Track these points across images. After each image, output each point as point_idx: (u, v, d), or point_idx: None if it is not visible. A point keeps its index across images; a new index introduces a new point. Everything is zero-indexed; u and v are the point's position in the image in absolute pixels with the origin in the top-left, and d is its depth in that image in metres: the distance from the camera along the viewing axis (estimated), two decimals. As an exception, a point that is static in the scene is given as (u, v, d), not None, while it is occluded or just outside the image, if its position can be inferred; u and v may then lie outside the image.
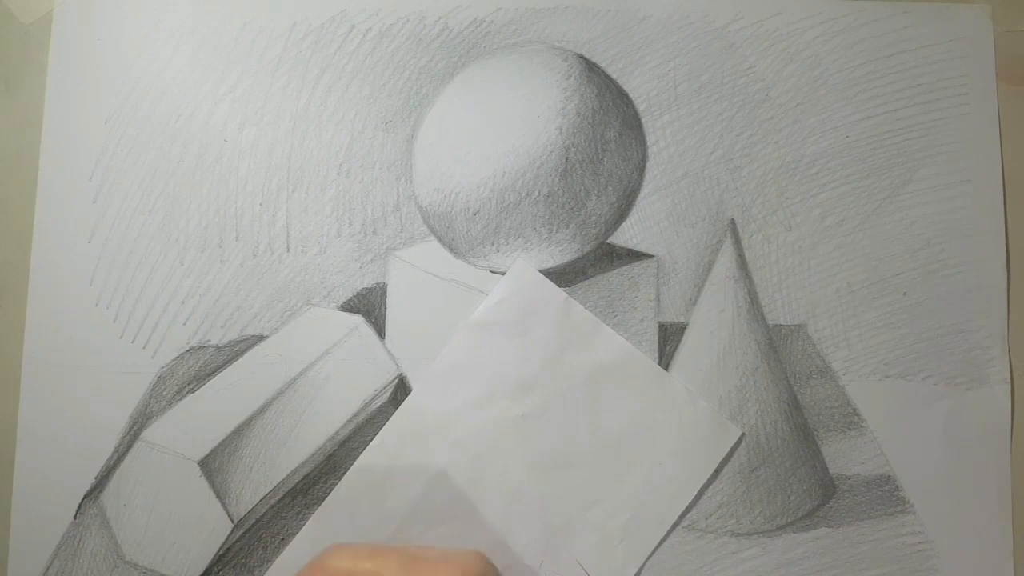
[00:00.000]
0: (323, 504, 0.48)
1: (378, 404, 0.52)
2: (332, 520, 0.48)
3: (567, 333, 0.50)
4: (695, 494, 0.49)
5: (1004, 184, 0.53)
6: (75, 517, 0.49)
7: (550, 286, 0.50)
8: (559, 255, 0.49)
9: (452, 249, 0.50)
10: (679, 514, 0.48)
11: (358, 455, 0.50)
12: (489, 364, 0.50)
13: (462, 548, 0.41)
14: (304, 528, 0.48)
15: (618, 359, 0.50)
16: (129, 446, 0.49)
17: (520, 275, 0.50)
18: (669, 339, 0.52)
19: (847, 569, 0.49)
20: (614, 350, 0.50)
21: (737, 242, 0.52)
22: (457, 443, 0.49)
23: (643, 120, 0.52)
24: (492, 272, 0.51)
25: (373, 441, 0.49)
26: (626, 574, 0.48)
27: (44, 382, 0.50)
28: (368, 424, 0.52)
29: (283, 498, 0.50)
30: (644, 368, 0.50)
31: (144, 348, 0.51)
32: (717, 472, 0.49)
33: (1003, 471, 0.50)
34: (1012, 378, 0.51)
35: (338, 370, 0.50)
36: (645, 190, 0.53)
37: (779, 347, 0.51)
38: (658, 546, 0.48)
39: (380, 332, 0.52)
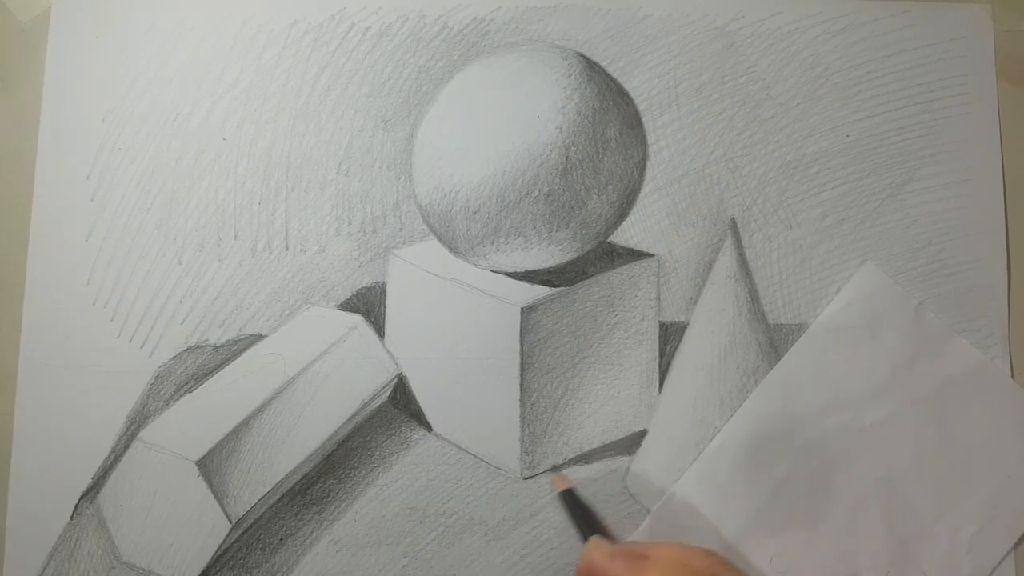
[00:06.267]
0: (662, 501, 0.48)
1: (377, 404, 0.52)
2: (669, 521, 0.48)
3: (919, 341, 0.50)
4: None
5: (1004, 183, 0.53)
6: (72, 517, 0.49)
7: (901, 292, 0.50)
8: (559, 254, 0.49)
9: (452, 248, 0.50)
10: None
11: (357, 455, 0.50)
12: (835, 370, 0.50)
13: (700, 548, 0.41)
14: (642, 526, 0.48)
15: (970, 370, 0.50)
16: (126, 446, 0.49)
17: (868, 279, 0.50)
18: (670, 338, 0.52)
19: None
20: (967, 361, 0.50)
21: (738, 241, 0.52)
22: (801, 450, 0.49)
23: (644, 119, 0.52)
24: (492, 271, 0.51)
25: (712, 443, 0.49)
26: None
27: (41, 381, 0.50)
28: (367, 424, 0.52)
29: (282, 498, 0.49)
30: (996, 380, 0.50)
31: (142, 347, 0.51)
32: None
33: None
34: (1013, 376, 0.51)
35: (337, 369, 0.50)
36: (646, 189, 0.53)
37: (780, 347, 0.51)
38: (1004, 558, 0.48)
39: (379, 331, 0.52)
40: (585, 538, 0.43)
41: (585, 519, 0.45)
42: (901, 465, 0.49)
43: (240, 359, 0.50)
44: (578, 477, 0.50)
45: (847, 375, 0.50)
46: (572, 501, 0.45)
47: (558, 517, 0.49)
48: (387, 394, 0.52)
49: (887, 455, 0.49)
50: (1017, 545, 0.49)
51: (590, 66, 0.49)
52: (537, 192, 0.47)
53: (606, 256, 0.52)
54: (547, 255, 0.49)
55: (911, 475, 0.49)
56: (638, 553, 0.40)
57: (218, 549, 0.47)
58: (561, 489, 0.46)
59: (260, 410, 0.48)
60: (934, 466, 0.49)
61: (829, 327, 0.50)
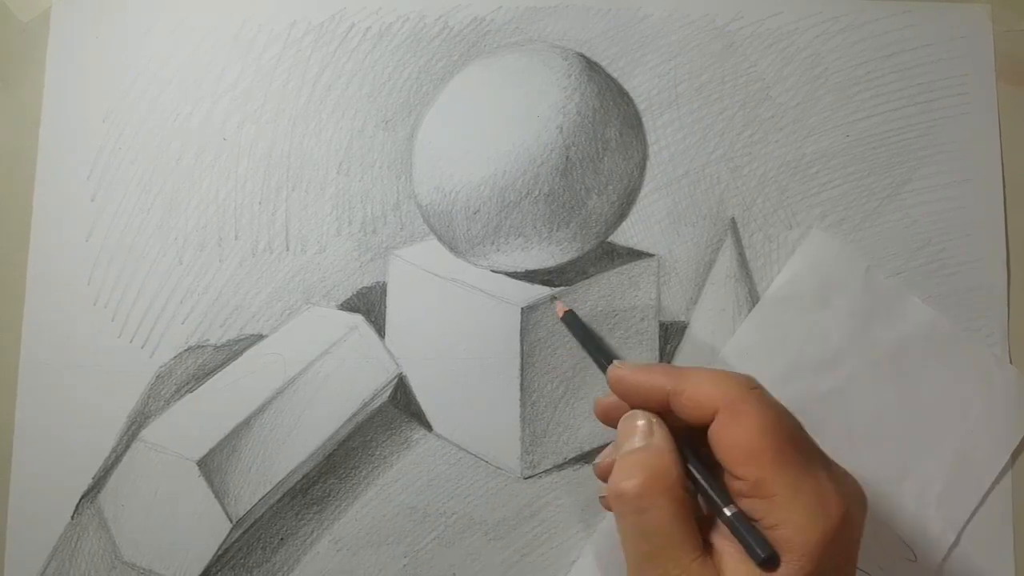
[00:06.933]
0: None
1: (378, 403, 0.52)
2: None
3: (872, 304, 0.50)
4: (1008, 457, 0.49)
5: (1004, 183, 0.53)
6: (73, 517, 0.49)
7: (851, 254, 0.50)
8: (560, 254, 0.49)
9: (452, 248, 0.50)
10: (994, 479, 0.49)
11: (358, 454, 0.50)
12: (787, 341, 0.50)
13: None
14: (592, 540, 0.48)
15: (925, 328, 0.50)
16: (127, 446, 0.49)
17: (817, 246, 0.50)
18: (670, 339, 0.52)
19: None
20: (921, 319, 0.50)
21: (738, 241, 0.52)
22: None
23: (644, 119, 0.52)
24: (492, 271, 0.51)
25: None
26: (945, 541, 0.48)
27: (42, 381, 0.50)
28: (368, 424, 0.52)
29: (282, 498, 0.49)
30: (952, 335, 0.50)
31: (142, 347, 0.51)
32: None
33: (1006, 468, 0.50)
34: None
35: (338, 369, 0.50)
36: (646, 189, 0.53)
37: (780, 346, 0.51)
38: (975, 512, 0.48)
39: (380, 331, 0.52)
40: (603, 363, 0.42)
41: (596, 343, 0.43)
42: (862, 429, 0.49)
43: (241, 359, 0.50)
44: (579, 477, 0.50)
45: (800, 345, 0.50)
46: (578, 324, 0.44)
47: (559, 516, 0.50)
48: (387, 394, 0.52)
49: (848, 419, 0.49)
50: (985, 499, 0.49)
51: (590, 66, 0.49)
52: (537, 192, 0.47)
53: (606, 256, 0.52)
54: (547, 255, 0.49)
55: (873, 438, 0.49)
56: (672, 365, 0.40)
57: (219, 549, 0.47)
58: (562, 313, 0.45)
59: (261, 410, 0.48)
60: (895, 427, 0.49)
61: (777, 299, 0.50)
